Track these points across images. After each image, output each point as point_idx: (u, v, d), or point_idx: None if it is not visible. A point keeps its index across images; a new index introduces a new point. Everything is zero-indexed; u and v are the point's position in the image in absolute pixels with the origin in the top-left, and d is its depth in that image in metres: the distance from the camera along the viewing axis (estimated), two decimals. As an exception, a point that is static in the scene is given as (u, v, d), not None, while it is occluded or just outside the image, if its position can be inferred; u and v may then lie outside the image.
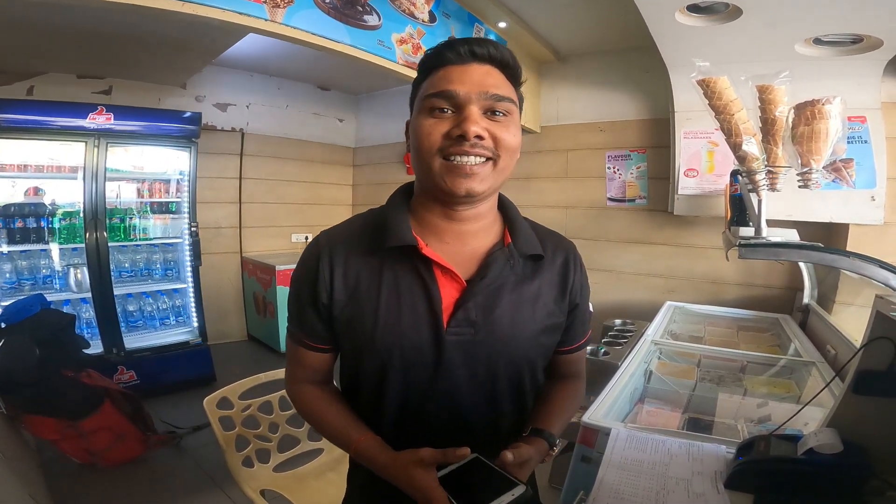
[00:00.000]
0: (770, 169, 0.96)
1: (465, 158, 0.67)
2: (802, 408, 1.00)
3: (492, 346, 0.72)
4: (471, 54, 0.69)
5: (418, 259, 0.72)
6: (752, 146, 0.94)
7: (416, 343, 0.71)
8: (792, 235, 1.05)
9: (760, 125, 1.00)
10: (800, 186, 0.92)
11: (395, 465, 0.68)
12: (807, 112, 0.91)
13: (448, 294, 0.72)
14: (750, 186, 0.99)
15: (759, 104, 1.00)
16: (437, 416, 0.74)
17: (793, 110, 0.92)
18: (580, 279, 0.82)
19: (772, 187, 0.97)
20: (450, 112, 0.68)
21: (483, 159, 0.69)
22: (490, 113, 0.69)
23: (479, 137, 0.67)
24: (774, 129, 0.97)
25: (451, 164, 0.68)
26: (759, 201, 1.00)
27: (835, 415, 0.86)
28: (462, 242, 0.75)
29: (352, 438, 0.74)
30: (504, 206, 0.82)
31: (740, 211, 1.32)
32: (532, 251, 0.77)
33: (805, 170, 0.89)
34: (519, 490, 0.62)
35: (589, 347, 2.04)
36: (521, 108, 0.74)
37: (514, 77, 0.73)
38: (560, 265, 0.80)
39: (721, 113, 0.95)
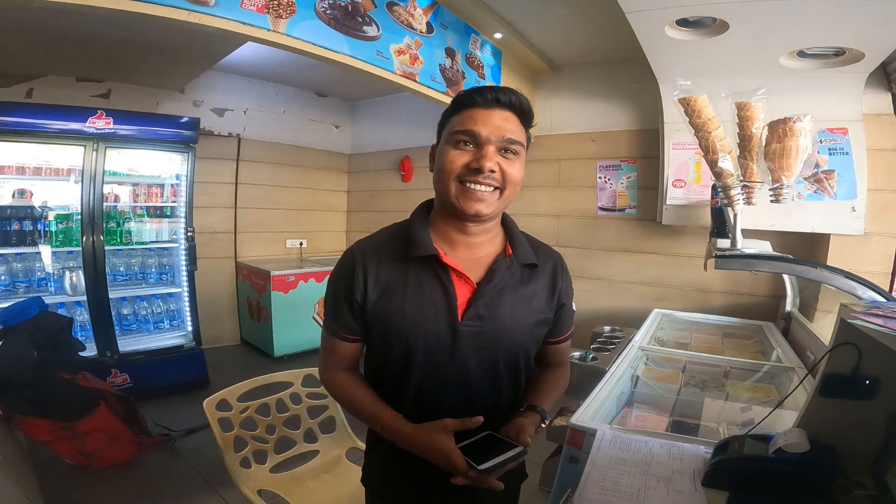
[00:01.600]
0: (746, 184, 1.01)
1: (478, 186, 0.84)
2: (772, 411, 1.05)
3: (495, 335, 0.89)
4: (495, 101, 0.84)
5: (438, 265, 0.88)
6: (727, 163, 0.99)
7: (435, 332, 0.87)
8: (765, 247, 1.10)
9: (738, 141, 1.05)
10: (772, 201, 0.98)
11: (420, 432, 0.83)
12: (779, 129, 0.96)
13: (462, 293, 0.88)
14: (726, 201, 1.05)
15: (738, 121, 1.05)
16: (451, 394, 0.89)
17: (766, 128, 0.98)
18: (566, 283, 0.99)
19: (748, 201, 1.03)
20: (471, 147, 0.84)
21: (492, 188, 0.85)
22: (503, 151, 0.84)
23: (492, 171, 0.83)
24: (751, 145, 1.02)
25: (466, 189, 0.84)
26: (735, 215, 1.05)
27: (804, 416, 0.91)
28: (471, 251, 0.92)
29: (380, 415, 0.88)
30: (505, 222, 0.98)
31: (721, 223, 1.37)
32: (528, 260, 0.93)
33: (776, 185, 0.95)
34: (518, 449, 0.79)
35: (578, 353, 2.08)
36: (528, 146, 0.90)
37: (527, 122, 0.89)
38: (550, 272, 0.96)
39: (700, 131, 1.00)
